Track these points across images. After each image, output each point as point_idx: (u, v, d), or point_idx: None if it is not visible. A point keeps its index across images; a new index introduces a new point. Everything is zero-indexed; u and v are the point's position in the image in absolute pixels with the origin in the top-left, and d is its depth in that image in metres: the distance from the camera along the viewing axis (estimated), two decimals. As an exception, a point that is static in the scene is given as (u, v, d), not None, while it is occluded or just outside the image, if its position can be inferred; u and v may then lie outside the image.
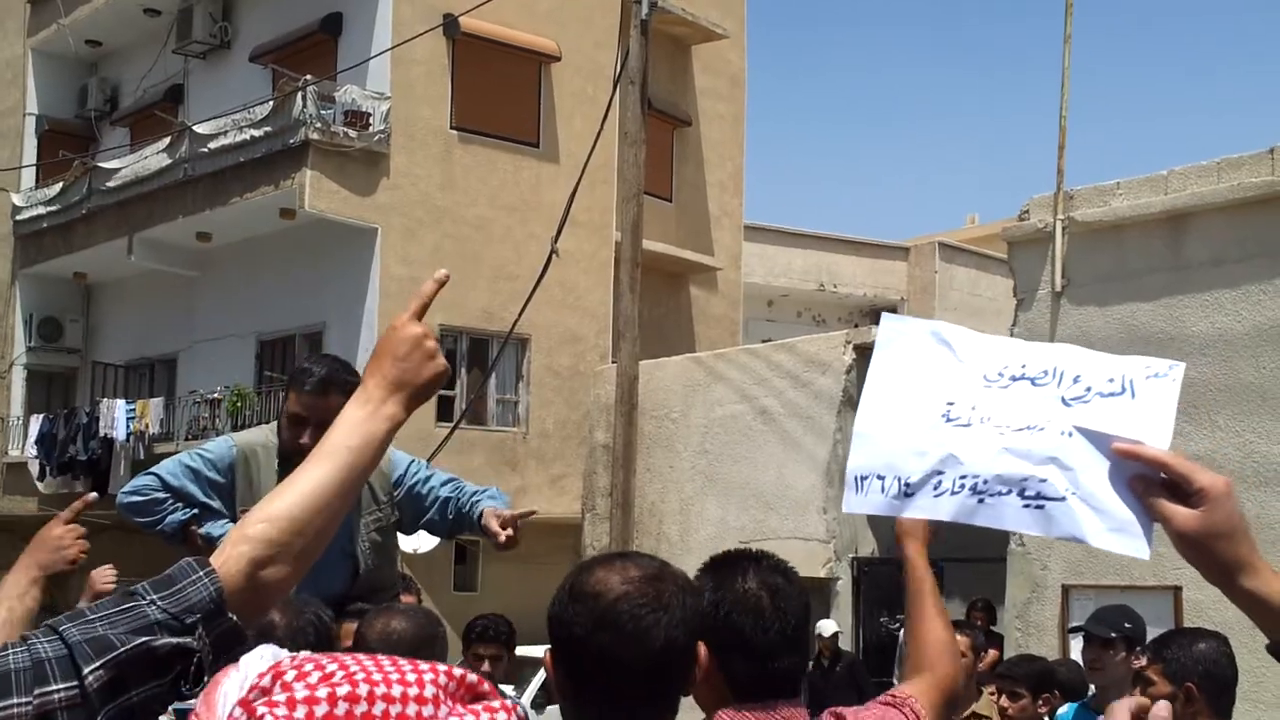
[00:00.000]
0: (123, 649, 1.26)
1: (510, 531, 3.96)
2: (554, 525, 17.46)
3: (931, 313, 25.24)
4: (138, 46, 21.40)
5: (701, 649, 1.77)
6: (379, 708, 1.13)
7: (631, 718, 1.73)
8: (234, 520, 3.80)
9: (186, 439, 17.37)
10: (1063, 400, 1.75)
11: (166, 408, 18.89)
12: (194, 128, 18.32)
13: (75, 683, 1.23)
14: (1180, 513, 1.53)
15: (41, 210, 21.45)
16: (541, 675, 11.48)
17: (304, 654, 1.23)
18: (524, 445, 18.26)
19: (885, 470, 1.85)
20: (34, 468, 20.54)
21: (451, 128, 17.84)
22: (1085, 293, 9.99)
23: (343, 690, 1.14)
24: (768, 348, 14.35)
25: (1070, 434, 1.70)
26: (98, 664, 1.25)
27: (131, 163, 19.59)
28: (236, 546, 1.42)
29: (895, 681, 3.22)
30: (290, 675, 1.17)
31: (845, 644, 12.00)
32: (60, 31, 21.84)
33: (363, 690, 1.14)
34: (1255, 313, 9.14)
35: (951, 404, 1.83)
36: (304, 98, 16.55)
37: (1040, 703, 5.20)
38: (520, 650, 5.73)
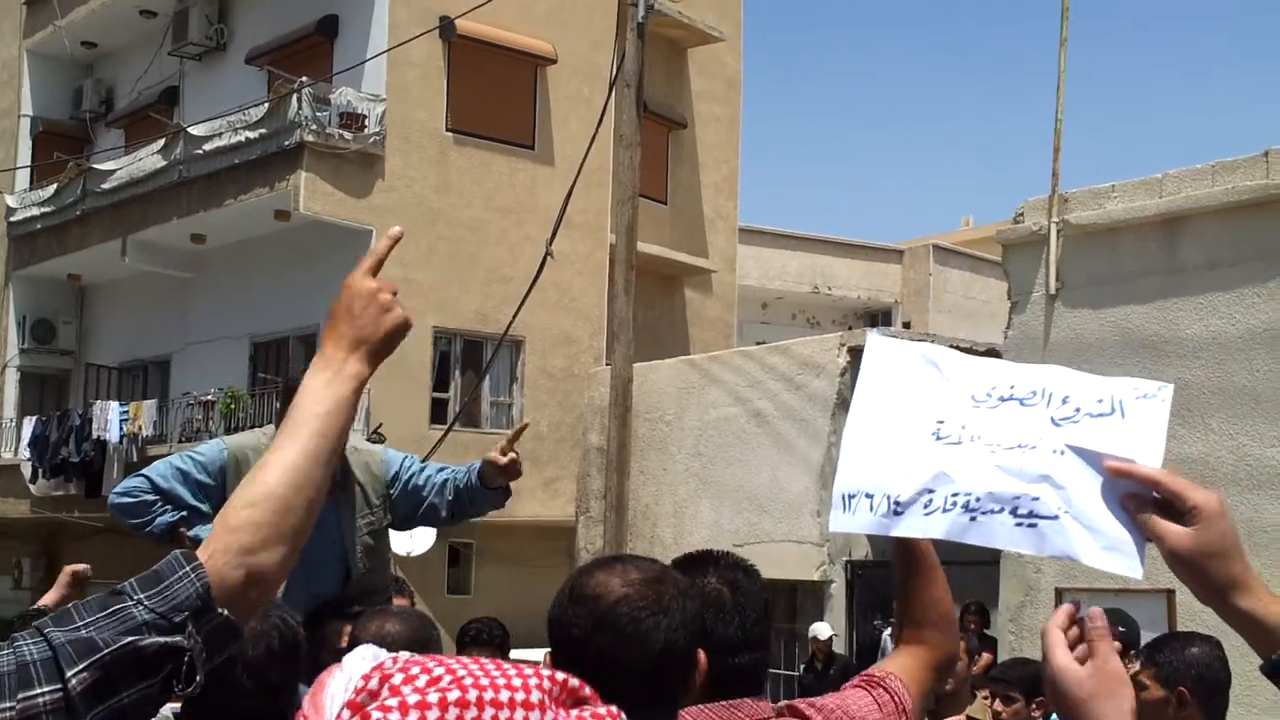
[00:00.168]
0: (107, 650, 1.24)
1: (513, 455, 4.10)
2: (547, 528, 17.46)
3: (926, 315, 25.26)
4: (133, 48, 21.38)
5: (701, 654, 1.77)
6: (488, 713, 1.11)
7: (630, 720, 1.73)
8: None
9: (180, 441, 17.33)
10: (1052, 420, 1.74)
11: (160, 410, 18.82)
12: (189, 129, 18.28)
13: (59, 686, 1.21)
14: (1173, 531, 1.52)
15: (36, 212, 21.39)
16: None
17: (405, 655, 1.21)
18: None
19: (874, 489, 1.83)
20: (26, 470, 20.46)
21: (447, 130, 17.82)
22: (1080, 295, 9.99)
23: (453, 695, 1.12)
24: (762, 350, 14.36)
25: (1062, 452, 1.69)
26: (81, 666, 1.23)
27: (126, 164, 19.54)
28: (222, 538, 1.38)
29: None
30: (397, 678, 1.15)
31: (839, 647, 12.01)
32: (56, 33, 21.79)
33: (472, 695, 1.12)
34: (1249, 316, 9.14)
35: (941, 422, 1.83)
36: (299, 100, 16.52)
37: (1034, 706, 5.19)
38: (514, 653, 5.72)
